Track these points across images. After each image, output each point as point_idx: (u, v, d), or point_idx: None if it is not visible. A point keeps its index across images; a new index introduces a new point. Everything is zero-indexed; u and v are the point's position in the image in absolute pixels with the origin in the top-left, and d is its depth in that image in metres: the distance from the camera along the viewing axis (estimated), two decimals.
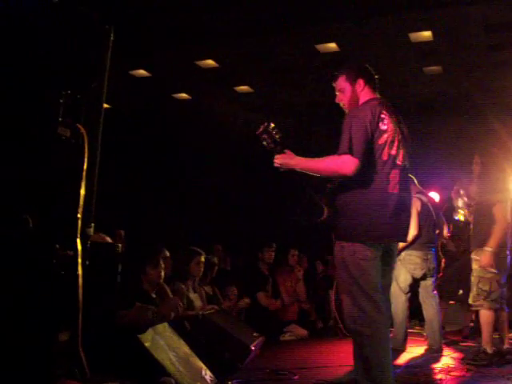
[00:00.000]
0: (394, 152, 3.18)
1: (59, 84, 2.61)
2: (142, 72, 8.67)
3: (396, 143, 3.21)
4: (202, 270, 5.59)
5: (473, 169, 5.23)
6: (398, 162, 3.20)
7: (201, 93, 9.65)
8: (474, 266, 5.02)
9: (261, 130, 3.44)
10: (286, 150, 3.35)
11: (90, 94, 2.80)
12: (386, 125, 3.17)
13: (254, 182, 9.76)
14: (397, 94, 8.48)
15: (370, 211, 3.10)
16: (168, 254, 5.33)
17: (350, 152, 3.05)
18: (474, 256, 5.05)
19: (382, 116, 3.18)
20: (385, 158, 3.15)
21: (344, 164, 3.05)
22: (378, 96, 3.40)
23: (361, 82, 3.38)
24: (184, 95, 9.79)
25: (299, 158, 3.30)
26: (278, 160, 3.33)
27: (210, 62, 8.26)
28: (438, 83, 8.56)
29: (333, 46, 7.56)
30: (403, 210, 3.22)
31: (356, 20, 6.84)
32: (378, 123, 3.14)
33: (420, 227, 5.66)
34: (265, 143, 3.43)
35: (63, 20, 2.62)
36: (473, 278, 5.01)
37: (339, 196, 3.23)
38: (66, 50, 2.60)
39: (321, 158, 3.22)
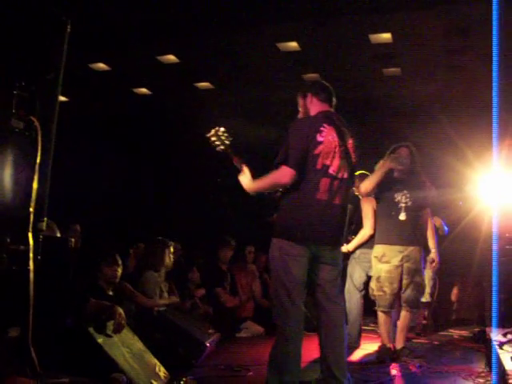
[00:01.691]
0: (328, 162, 3.42)
1: (13, 75, 2.57)
2: (101, 66, 8.55)
3: (332, 154, 3.44)
4: (173, 259, 5.66)
5: (401, 162, 5.06)
6: (331, 172, 3.43)
7: (161, 88, 9.57)
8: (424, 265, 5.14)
9: (212, 133, 3.82)
10: (244, 168, 3.66)
11: (45, 86, 2.75)
12: (324, 137, 3.42)
13: (214, 178, 9.75)
14: (356, 95, 8.61)
15: (296, 214, 3.38)
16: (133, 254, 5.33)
17: (286, 162, 3.34)
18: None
19: (322, 129, 3.43)
20: (318, 167, 3.40)
21: (281, 176, 3.38)
22: (328, 108, 3.64)
23: (309, 95, 3.68)
24: (144, 90, 9.69)
25: (250, 182, 3.61)
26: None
27: (171, 58, 8.20)
28: (396, 85, 8.69)
29: (294, 45, 7.60)
30: (330, 217, 3.43)
31: (317, 20, 6.89)
32: (314, 135, 3.39)
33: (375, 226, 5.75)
34: (214, 145, 3.80)
35: (18, 10, 2.58)
36: (427, 280, 5.13)
37: (281, 199, 3.50)
38: (20, 41, 2.55)
39: (263, 177, 3.53)
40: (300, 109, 3.77)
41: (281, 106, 9.11)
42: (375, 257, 5.12)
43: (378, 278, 5.07)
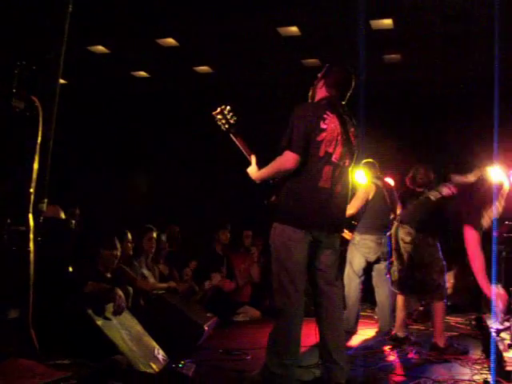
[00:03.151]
0: (331, 150, 3.43)
1: (13, 54, 2.54)
2: (100, 48, 8.49)
3: (335, 142, 3.43)
4: (155, 245, 5.60)
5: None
6: (334, 160, 3.44)
7: (160, 71, 9.53)
8: None
9: (218, 111, 3.81)
10: (252, 158, 3.68)
11: (46, 65, 2.72)
12: (327, 124, 3.41)
13: (212, 162, 9.75)
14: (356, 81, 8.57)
15: (299, 201, 3.40)
16: (130, 236, 5.28)
17: (289, 147, 3.34)
18: None
19: (325, 116, 3.42)
20: (321, 154, 3.39)
21: (285, 161, 3.37)
22: (331, 96, 3.58)
23: (322, 80, 3.64)
24: (143, 73, 9.65)
25: (257, 172, 3.62)
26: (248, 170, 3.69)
27: (171, 41, 8.15)
28: (396, 71, 8.66)
29: (294, 29, 7.56)
30: (332, 204, 3.45)
31: (318, 4, 6.83)
32: (318, 122, 3.38)
33: (365, 211, 5.79)
34: (220, 124, 3.79)
35: None
36: None
37: (282, 184, 3.49)
38: (21, 20, 2.52)
39: (268, 165, 3.52)
40: (315, 83, 3.71)
41: (280, 90, 9.12)
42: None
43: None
